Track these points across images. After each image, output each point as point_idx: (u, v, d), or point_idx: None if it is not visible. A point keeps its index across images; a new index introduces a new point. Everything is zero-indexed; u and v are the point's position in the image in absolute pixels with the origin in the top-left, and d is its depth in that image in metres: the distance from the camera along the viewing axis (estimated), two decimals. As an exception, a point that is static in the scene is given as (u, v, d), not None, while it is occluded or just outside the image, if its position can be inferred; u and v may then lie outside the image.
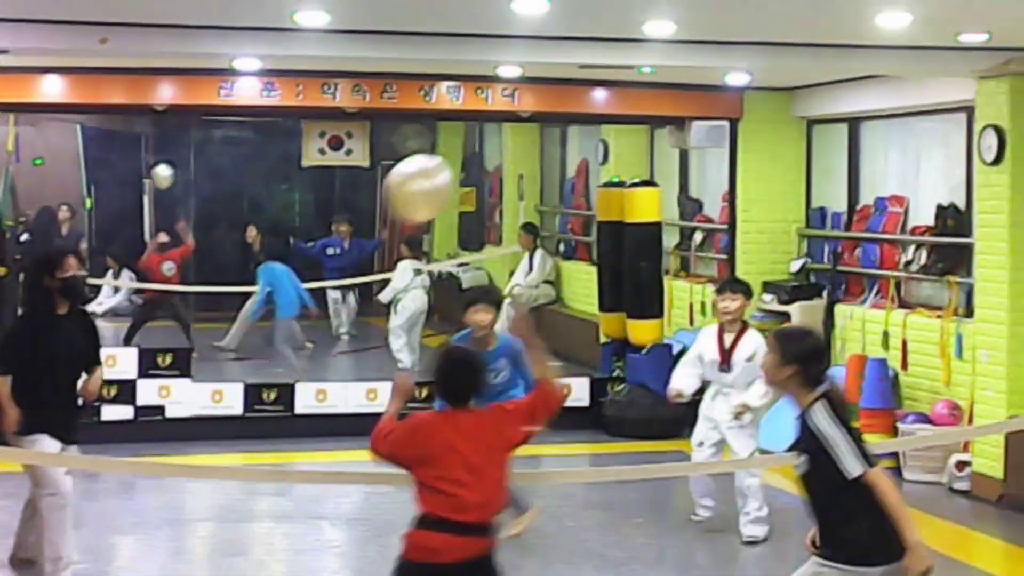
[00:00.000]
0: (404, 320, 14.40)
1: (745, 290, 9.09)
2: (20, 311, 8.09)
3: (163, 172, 17.77)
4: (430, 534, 5.48)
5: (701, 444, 9.09)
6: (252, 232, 16.88)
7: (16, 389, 7.56)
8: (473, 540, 5.50)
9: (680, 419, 11.96)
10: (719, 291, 9.16)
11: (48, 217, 18.47)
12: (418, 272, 14.82)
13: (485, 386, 5.83)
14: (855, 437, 5.43)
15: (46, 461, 7.56)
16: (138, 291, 16.88)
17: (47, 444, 7.59)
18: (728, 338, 8.92)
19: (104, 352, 8.09)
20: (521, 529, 8.68)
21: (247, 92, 11.72)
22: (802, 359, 5.56)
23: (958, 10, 8.09)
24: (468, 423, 5.60)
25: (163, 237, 16.04)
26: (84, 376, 7.87)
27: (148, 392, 12.07)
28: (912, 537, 5.33)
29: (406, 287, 14.57)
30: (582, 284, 15.90)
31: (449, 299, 18.68)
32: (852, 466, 5.34)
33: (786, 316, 12.60)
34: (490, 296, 8.72)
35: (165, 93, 11.72)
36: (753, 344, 8.79)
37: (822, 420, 5.43)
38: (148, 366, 12.15)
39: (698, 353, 9.12)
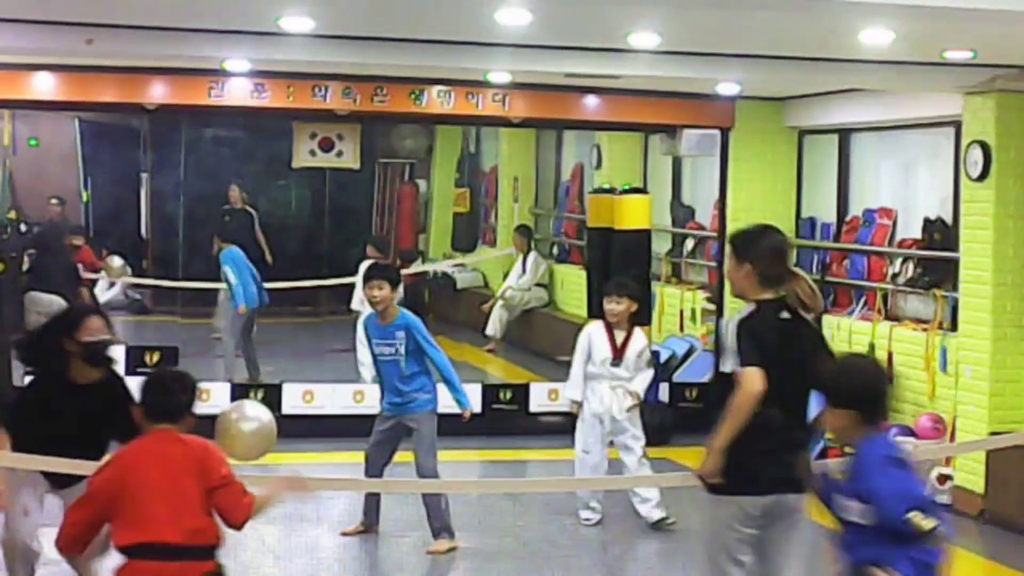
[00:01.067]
0: None
1: (631, 293, 9.47)
2: (31, 376, 7.07)
3: (115, 263, 17.63)
4: (136, 564, 5.14)
5: (588, 452, 9.43)
6: (235, 192, 16.29)
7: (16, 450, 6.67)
8: (187, 565, 5.15)
9: (665, 426, 12.02)
10: (606, 293, 9.53)
11: (53, 238, 18.03)
12: None
13: (190, 404, 5.59)
14: (764, 346, 5.39)
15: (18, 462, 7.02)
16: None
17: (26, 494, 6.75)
18: (619, 335, 9.41)
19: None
20: (436, 550, 8.76)
21: (237, 93, 11.69)
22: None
23: (941, 28, 8.07)
24: (161, 445, 5.38)
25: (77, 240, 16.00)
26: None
27: (135, 390, 12.04)
28: (718, 443, 5.38)
29: None
30: (575, 287, 15.89)
31: (444, 300, 18.76)
32: (725, 363, 5.44)
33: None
34: (384, 272, 8.97)
35: (156, 92, 11.69)
36: (643, 341, 9.54)
37: (731, 323, 5.54)
38: (136, 363, 12.13)
39: (587, 352, 9.46)
